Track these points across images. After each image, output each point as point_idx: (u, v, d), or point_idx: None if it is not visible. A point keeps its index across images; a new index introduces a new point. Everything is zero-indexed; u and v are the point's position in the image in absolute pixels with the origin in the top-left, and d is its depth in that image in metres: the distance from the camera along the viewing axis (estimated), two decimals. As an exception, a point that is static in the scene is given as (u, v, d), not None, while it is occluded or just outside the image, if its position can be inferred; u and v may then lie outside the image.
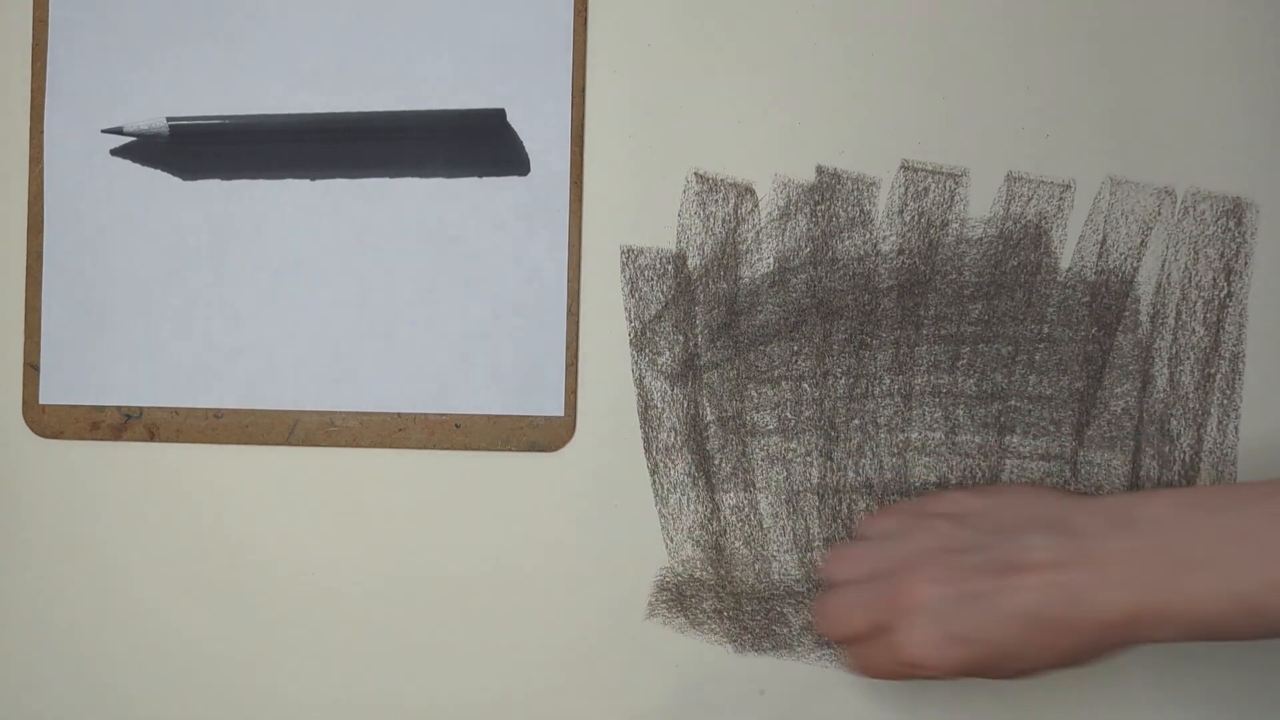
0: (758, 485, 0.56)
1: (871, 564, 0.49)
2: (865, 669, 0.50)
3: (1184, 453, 0.55)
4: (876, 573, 0.48)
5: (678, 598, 0.56)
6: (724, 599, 0.56)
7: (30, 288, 0.58)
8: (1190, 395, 0.55)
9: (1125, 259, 0.55)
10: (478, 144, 0.57)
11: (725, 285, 0.56)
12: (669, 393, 0.56)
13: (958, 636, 0.46)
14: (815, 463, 0.56)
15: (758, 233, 0.56)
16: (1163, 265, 0.55)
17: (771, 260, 0.56)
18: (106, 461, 0.58)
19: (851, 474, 0.56)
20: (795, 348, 0.56)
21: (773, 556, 0.56)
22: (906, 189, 0.56)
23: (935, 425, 0.56)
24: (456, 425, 0.57)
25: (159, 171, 0.58)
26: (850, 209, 0.56)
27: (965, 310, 0.56)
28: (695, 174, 0.56)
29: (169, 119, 0.58)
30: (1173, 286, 0.55)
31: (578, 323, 0.57)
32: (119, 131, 0.58)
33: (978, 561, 0.47)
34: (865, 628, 0.48)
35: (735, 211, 0.56)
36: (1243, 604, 0.43)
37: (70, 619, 0.58)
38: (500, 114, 0.57)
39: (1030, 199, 0.56)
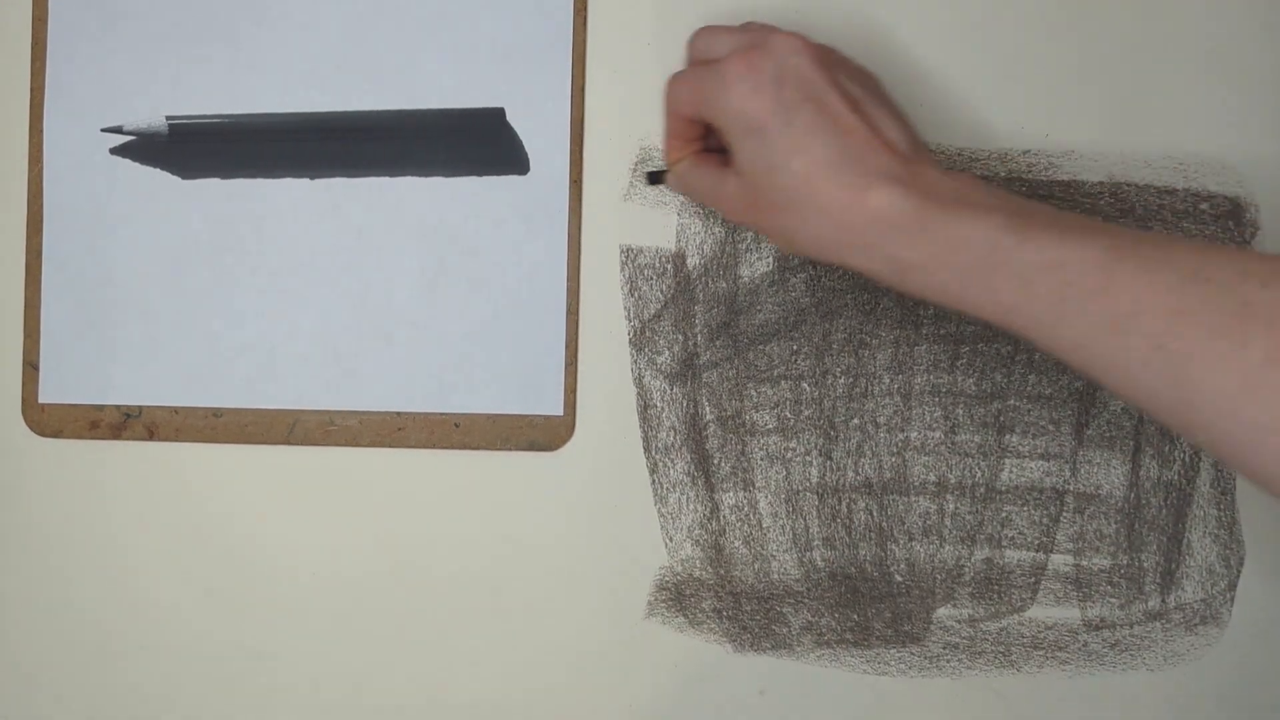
0: (757, 484, 0.56)
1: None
2: (678, 77, 0.50)
3: (1184, 452, 0.55)
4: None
5: (677, 597, 0.56)
6: (723, 598, 0.56)
7: (30, 287, 0.58)
8: (1190, 395, 0.55)
9: (1125, 258, 0.55)
10: (477, 144, 0.57)
11: (725, 284, 0.56)
12: (668, 392, 0.56)
13: (779, 89, 0.47)
14: (815, 462, 0.56)
15: (758, 232, 0.56)
16: (1162, 265, 0.55)
17: (771, 259, 0.56)
18: (106, 461, 0.58)
19: (851, 473, 0.56)
20: (795, 347, 0.56)
21: (772, 556, 0.56)
22: (906, 188, 0.56)
23: (935, 424, 0.56)
24: (456, 425, 0.57)
25: (159, 171, 0.58)
26: (850, 208, 0.56)
27: (965, 310, 0.56)
28: (695, 173, 0.56)
29: (169, 118, 0.58)
30: (1172, 286, 0.55)
31: (577, 322, 0.57)
32: (119, 130, 0.58)
33: (847, 85, 0.48)
34: (726, 46, 0.49)
35: (735, 211, 0.56)
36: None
37: (70, 618, 0.58)
38: (500, 114, 0.57)
39: (1030, 198, 0.56)
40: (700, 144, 0.51)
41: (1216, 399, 0.39)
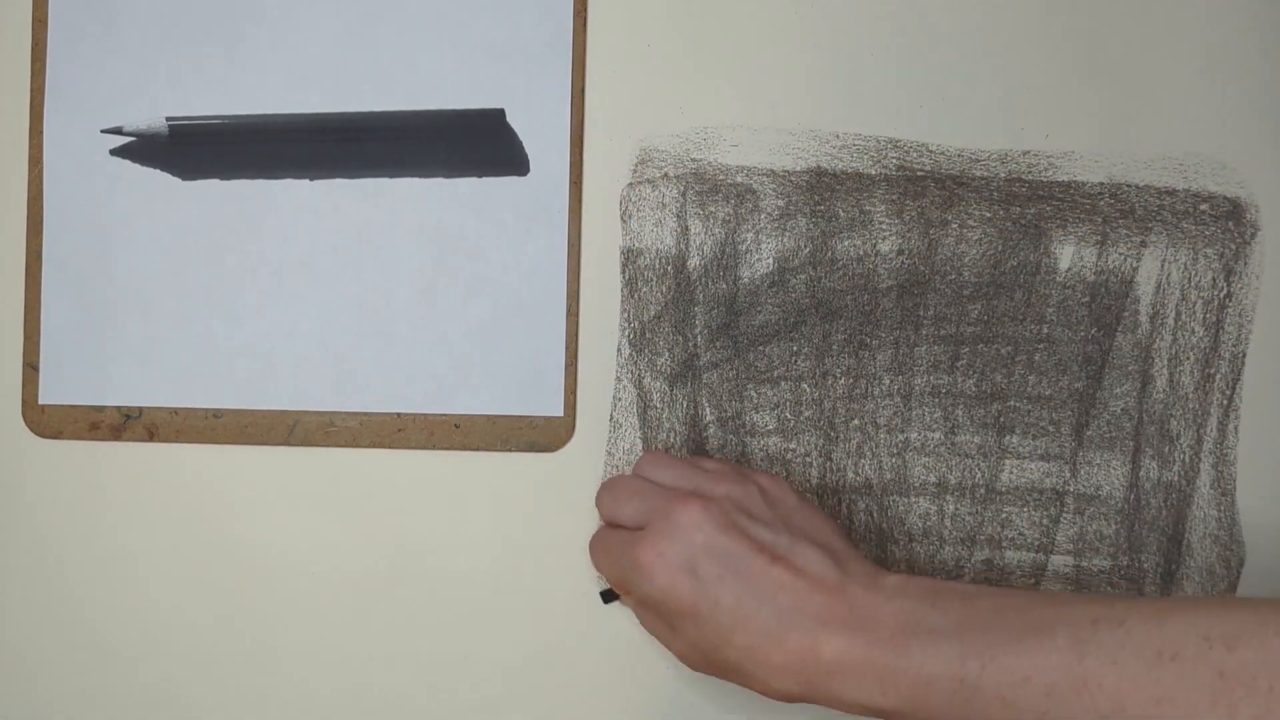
0: (757, 485, 0.56)
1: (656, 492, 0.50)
2: (597, 547, 0.52)
3: (1184, 453, 0.55)
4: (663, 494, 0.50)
5: (677, 598, 0.56)
6: (723, 599, 0.56)
7: (30, 288, 0.58)
8: (1190, 395, 0.55)
9: (1125, 259, 0.55)
10: (477, 144, 0.57)
11: (725, 285, 0.56)
12: (668, 393, 0.56)
13: (695, 573, 0.47)
14: (815, 463, 0.56)
15: (757, 233, 0.56)
16: (1162, 265, 0.55)
17: (771, 260, 0.56)
18: (106, 461, 0.58)
19: (851, 474, 0.56)
20: (795, 348, 0.56)
21: (772, 557, 0.56)
22: (906, 189, 0.56)
23: (935, 425, 0.56)
24: (456, 425, 0.57)
25: (158, 171, 0.58)
26: (850, 209, 0.56)
27: (965, 310, 0.56)
28: (695, 174, 0.56)
29: (169, 119, 0.58)
30: (1172, 287, 0.55)
31: (577, 323, 0.57)
32: (119, 131, 0.58)
33: (757, 533, 0.47)
34: (631, 517, 0.50)
35: (735, 211, 0.56)
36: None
37: (71, 619, 0.58)
38: (500, 114, 0.57)
39: (1029, 199, 0.56)
40: None
41: None
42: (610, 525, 0.52)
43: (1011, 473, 0.56)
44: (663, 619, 0.49)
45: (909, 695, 0.43)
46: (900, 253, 0.56)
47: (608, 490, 0.52)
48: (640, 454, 0.55)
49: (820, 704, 0.46)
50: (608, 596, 0.55)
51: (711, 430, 0.56)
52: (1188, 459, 0.55)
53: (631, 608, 0.53)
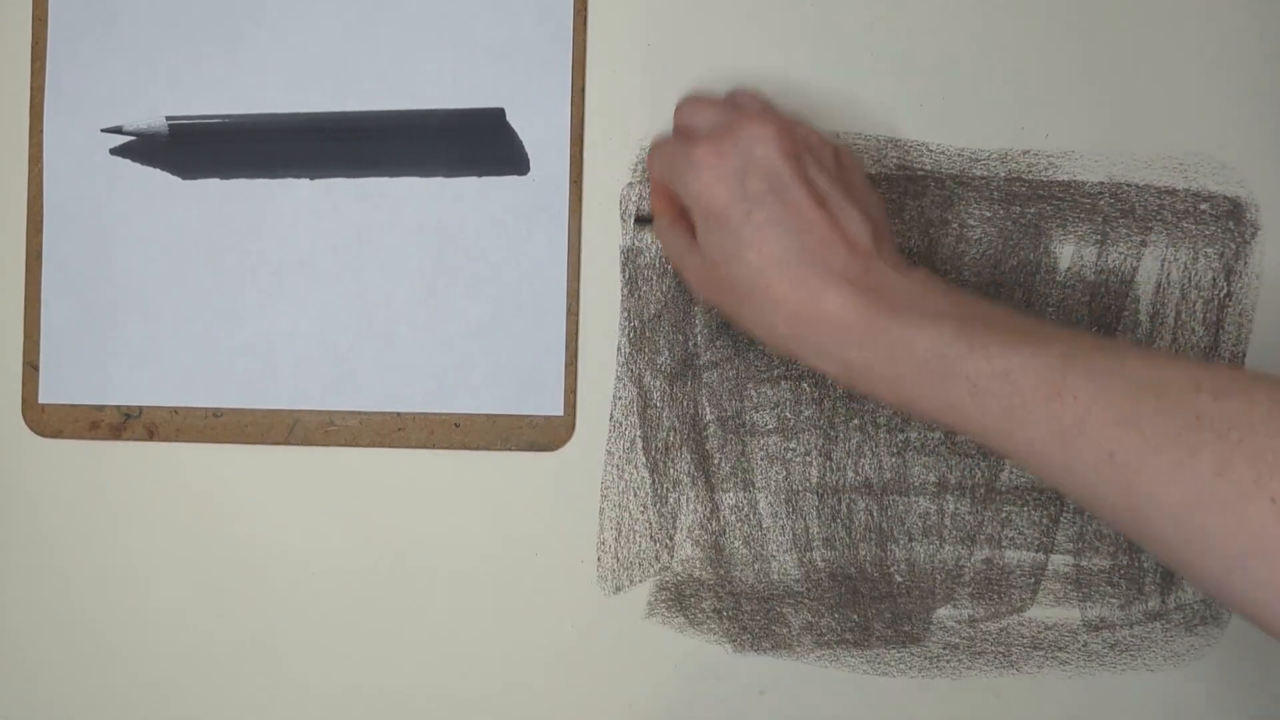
0: (757, 485, 0.56)
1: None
2: (657, 145, 0.52)
3: (1184, 452, 0.55)
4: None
5: (677, 597, 0.56)
6: (723, 598, 0.56)
7: (30, 287, 0.58)
8: (1190, 395, 0.55)
9: (1125, 259, 0.55)
10: (477, 144, 0.57)
11: (725, 285, 0.56)
12: (668, 392, 0.56)
13: (742, 182, 0.47)
14: (814, 462, 0.56)
15: (757, 232, 0.56)
16: (1162, 265, 0.55)
17: (771, 260, 0.56)
18: (106, 461, 0.58)
19: (851, 473, 0.56)
20: (795, 347, 0.56)
21: (772, 556, 0.56)
22: (906, 188, 0.56)
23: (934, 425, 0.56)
24: (456, 425, 0.57)
25: (158, 171, 0.58)
26: (850, 209, 0.56)
27: (965, 310, 0.56)
28: (695, 173, 0.56)
29: (169, 118, 0.58)
30: (1173, 286, 0.55)
31: (577, 322, 0.57)
32: (119, 131, 0.58)
33: (814, 176, 0.48)
34: (705, 123, 0.50)
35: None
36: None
37: (71, 618, 0.58)
38: (500, 114, 0.57)
39: (1030, 199, 0.56)
40: (678, 205, 0.52)
41: (1166, 508, 0.39)
42: (677, 132, 0.52)
43: (1011, 472, 0.56)
44: (694, 217, 0.49)
45: (887, 358, 0.44)
46: (900, 252, 0.56)
47: (690, 99, 0.52)
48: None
49: (796, 355, 0.47)
50: (641, 220, 0.55)
51: (711, 429, 0.56)
52: (1188, 458, 0.55)
53: (657, 231, 0.53)
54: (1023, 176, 0.56)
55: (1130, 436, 0.39)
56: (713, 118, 0.50)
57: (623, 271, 0.57)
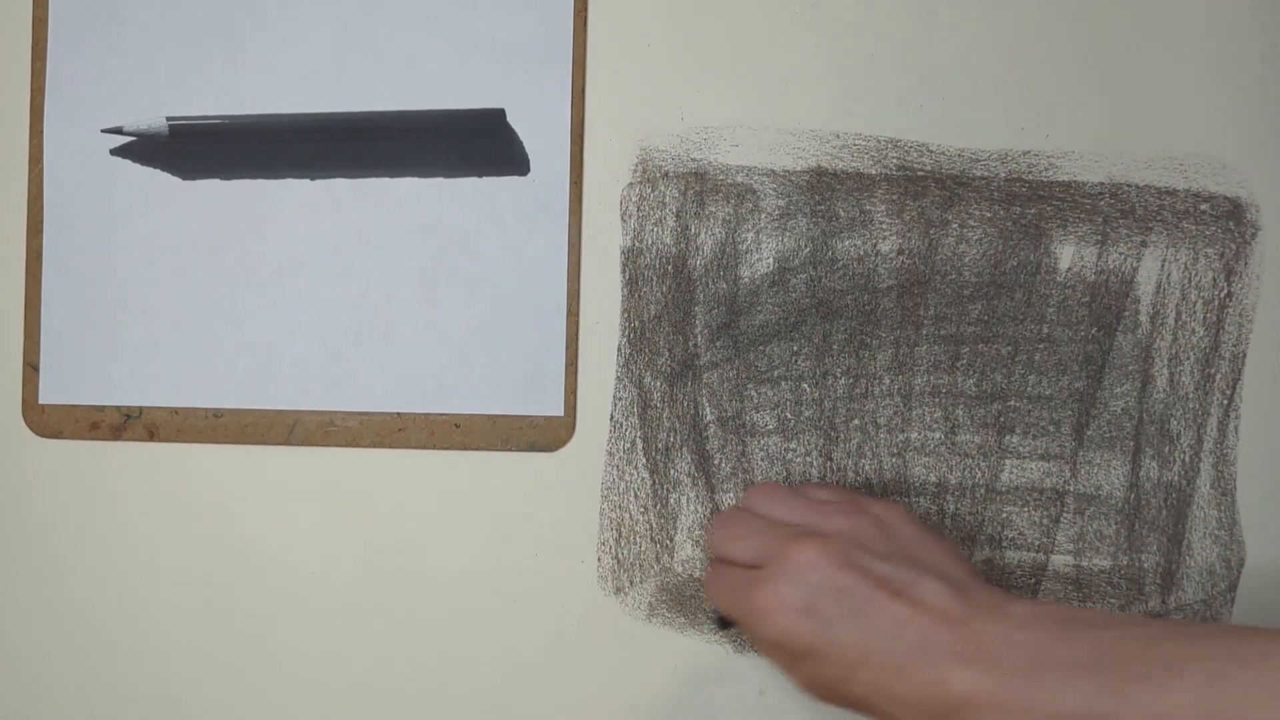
0: (757, 485, 0.56)
1: (770, 528, 0.49)
2: (715, 587, 0.49)
3: (1184, 453, 0.55)
4: (779, 531, 0.48)
5: (678, 598, 0.56)
6: (724, 599, 0.56)
7: (30, 287, 0.58)
8: (1190, 395, 0.55)
9: (1125, 259, 0.55)
10: (478, 144, 0.57)
11: (725, 285, 0.56)
12: (669, 393, 0.56)
13: (815, 614, 0.45)
14: (815, 463, 0.56)
15: (757, 232, 0.56)
16: (1163, 265, 0.55)
17: (771, 260, 0.56)
18: (106, 461, 0.58)
19: (851, 474, 0.56)
20: (795, 348, 0.56)
21: (772, 556, 0.56)
22: (906, 189, 0.56)
23: (935, 425, 0.56)
24: (456, 425, 0.57)
25: (159, 171, 0.58)
26: (850, 209, 0.56)
27: (965, 310, 0.56)
28: (695, 174, 0.56)
29: (169, 119, 0.58)
30: (1173, 286, 0.55)
31: (578, 323, 0.57)
32: (119, 131, 0.58)
33: (875, 568, 0.46)
34: (744, 556, 0.48)
35: (735, 211, 0.56)
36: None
37: (71, 619, 0.58)
38: (500, 114, 0.57)
39: (1030, 199, 0.56)
40: None
41: None
42: (721, 562, 0.51)
43: (1012, 472, 0.56)
44: (781, 663, 0.48)
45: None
46: (900, 253, 0.56)
47: (718, 527, 0.50)
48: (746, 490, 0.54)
49: None
50: (724, 624, 0.53)
51: (712, 430, 0.56)
52: (1188, 459, 0.55)
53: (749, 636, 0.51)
54: (1023, 177, 0.56)
55: None
56: (751, 548, 0.48)
57: (623, 272, 0.57)
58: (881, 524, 0.48)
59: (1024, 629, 0.44)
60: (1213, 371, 0.55)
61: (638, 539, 0.56)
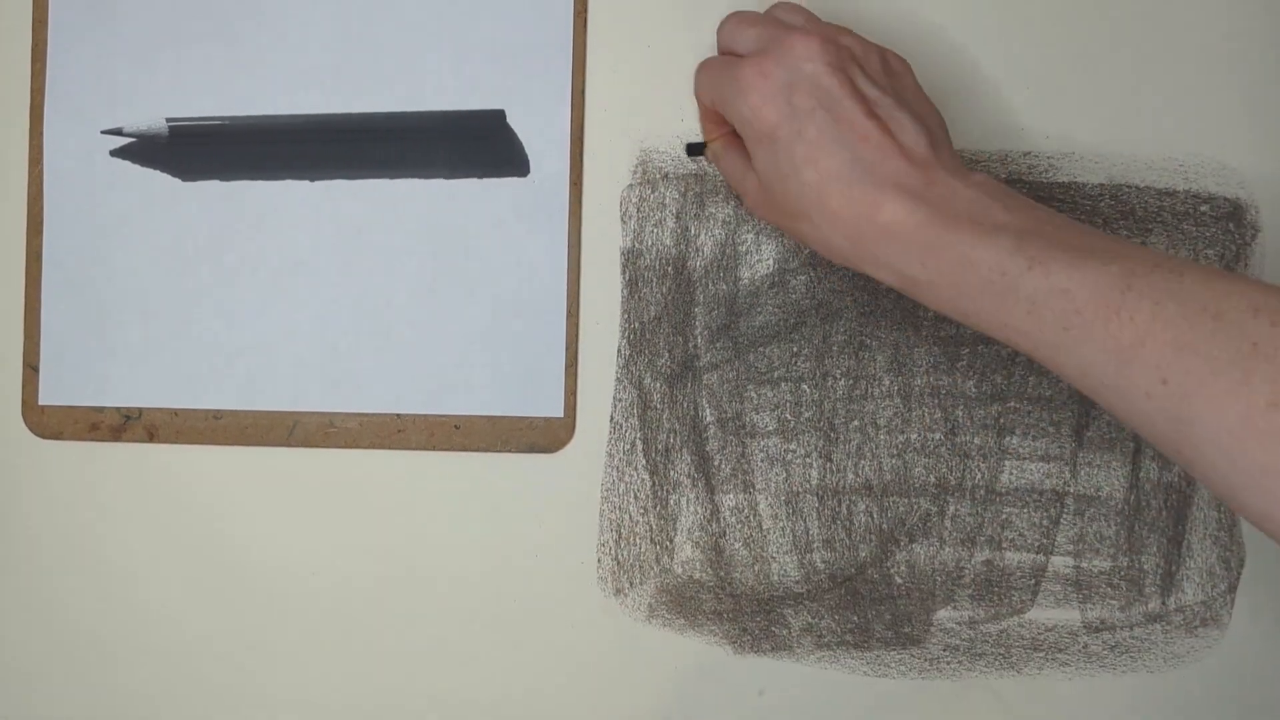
0: (757, 486, 0.56)
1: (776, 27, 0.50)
2: (702, 67, 0.51)
3: (1184, 454, 0.55)
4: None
5: (678, 599, 0.56)
6: (723, 600, 0.56)
7: (30, 288, 0.58)
8: (1190, 396, 0.55)
9: (1125, 260, 0.55)
10: (478, 144, 0.57)
11: (725, 286, 0.56)
12: (668, 394, 0.56)
13: (790, 99, 0.46)
14: (815, 464, 0.56)
15: (757, 233, 0.56)
16: (1163, 266, 0.55)
17: (771, 261, 0.56)
18: (106, 462, 0.58)
19: (851, 475, 0.56)
20: (795, 349, 0.56)
21: (772, 558, 0.56)
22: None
23: (935, 426, 0.56)
24: (456, 426, 0.57)
25: (159, 172, 0.58)
26: (850, 210, 0.56)
27: (965, 311, 0.56)
28: (695, 175, 0.56)
29: (169, 119, 0.58)
30: (1173, 288, 0.55)
31: (578, 323, 0.57)
32: (119, 132, 0.58)
33: (864, 86, 0.47)
34: (748, 43, 0.49)
35: (735, 212, 0.56)
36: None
37: (70, 619, 0.59)
38: (500, 115, 0.57)
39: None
40: (729, 126, 0.51)
41: (1217, 437, 0.38)
42: (723, 53, 0.52)
43: (1012, 473, 0.56)
44: (744, 139, 0.48)
45: (947, 271, 0.43)
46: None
47: (732, 18, 0.51)
48: None
49: (856, 265, 0.46)
50: (693, 149, 0.55)
51: (711, 431, 0.56)
52: (1188, 460, 0.55)
53: (712, 155, 0.53)
54: (1023, 178, 0.56)
55: (1185, 361, 0.39)
56: (755, 36, 0.49)
57: (623, 273, 0.57)
58: (888, 62, 0.49)
59: (974, 189, 0.45)
60: (1213, 372, 0.55)
61: (637, 540, 0.56)
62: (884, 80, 0.48)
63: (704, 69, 0.52)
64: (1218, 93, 0.55)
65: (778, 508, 0.56)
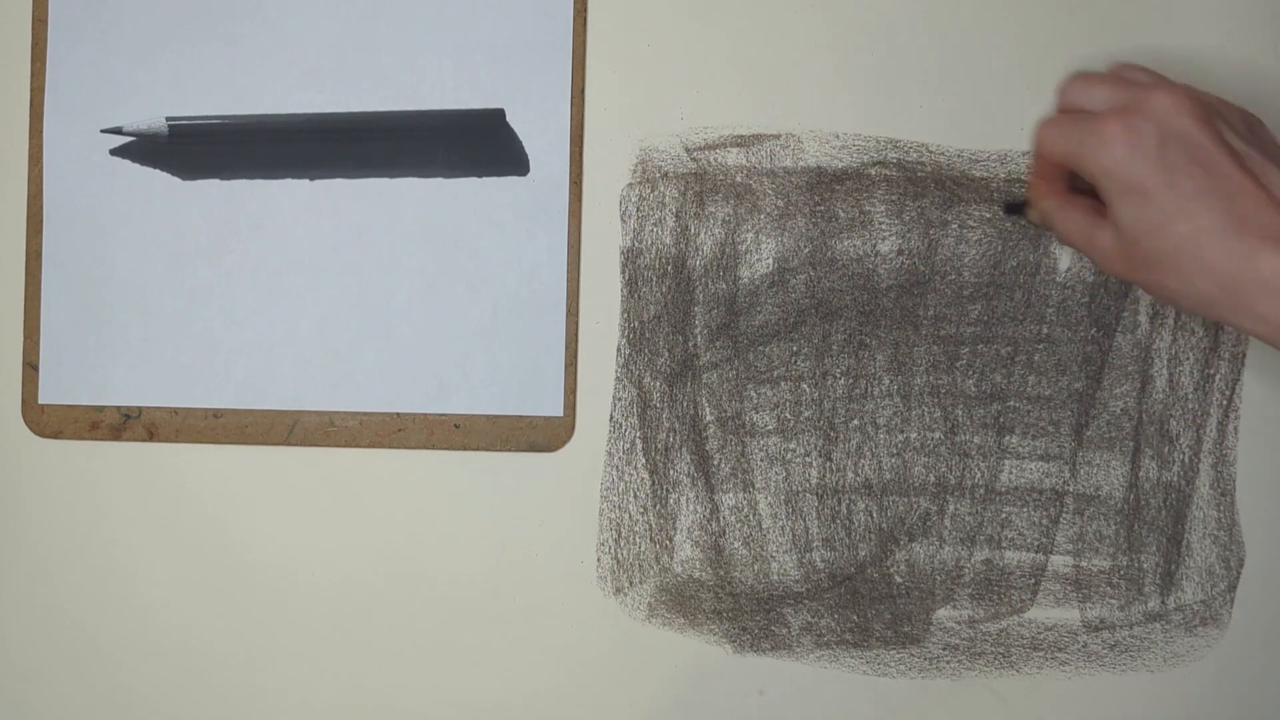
0: (757, 486, 0.56)
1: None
2: (1049, 122, 0.49)
3: (1183, 453, 0.55)
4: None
5: (677, 598, 0.56)
6: (723, 599, 0.56)
7: (30, 288, 0.58)
8: (1189, 395, 0.55)
9: (1125, 259, 0.55)
10: (477, 144, 0.57)
11: (725, 286, 0.56)
12: (668, 393, 0.56)
13: (1161, 153, 0.45)
14: (814, 463, 0.56)
15: (757, 233, 0.56)
16: (1162, 266, 0.55)
17: (771, 260, 0.56)
18: (106, 461, 0.58)
19: (851, 474, 0.56)
20: (794, 348, 0.56)
21: (772, 557, 0.56)
22: (906, 189, 0.56)
23: (934, 425, 0.56)
24: (456, 425, 0.57)
25: (159, 171, 0.58)
26: (849, 209, 0.56)
27: (964, 311, 0.56)
28: (694, 174, 0.56)
29: (169, 119, 0.58)
30: (1172, 287, 0.55)
31: (577, 323, 0.57)
32: (119, 131, 0.58)
33: (1233, 141, 0.46)
34: (1100, 102, 0.48)
35: (735, 211, 0.56)
36: None
37: (70, 618, 0.59)
38: (500, 114, 0.57)
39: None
40: (1066, 184, 0.50)
41: None
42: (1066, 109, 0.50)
43: (1011, 473, 0.56)
44: (1105, 193, 0.47)
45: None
46: (900, 253, 0.56)
47: (1078, 78, 0.50)
48: None
49: (1227, 316, 0.45)
50: (1011, 209, 0.53)
51: (711, 430, 0.56)
52: (1187, 459, 0.55)
53: (1044, 215, 0.51)
54: (1023, 177, 0.56)
55: None
56: (1109, 94, 0.48)
57: (622, 273, 0.57)
58: (1248, 119, 0.49)
59: None
60: (1212, 372, 0.55)
61: (637, 539, 0.56)
62: (1248, 134, 0.48)
63: (1053, 125, 0.49)
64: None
65: (777, 507, 0.56)
